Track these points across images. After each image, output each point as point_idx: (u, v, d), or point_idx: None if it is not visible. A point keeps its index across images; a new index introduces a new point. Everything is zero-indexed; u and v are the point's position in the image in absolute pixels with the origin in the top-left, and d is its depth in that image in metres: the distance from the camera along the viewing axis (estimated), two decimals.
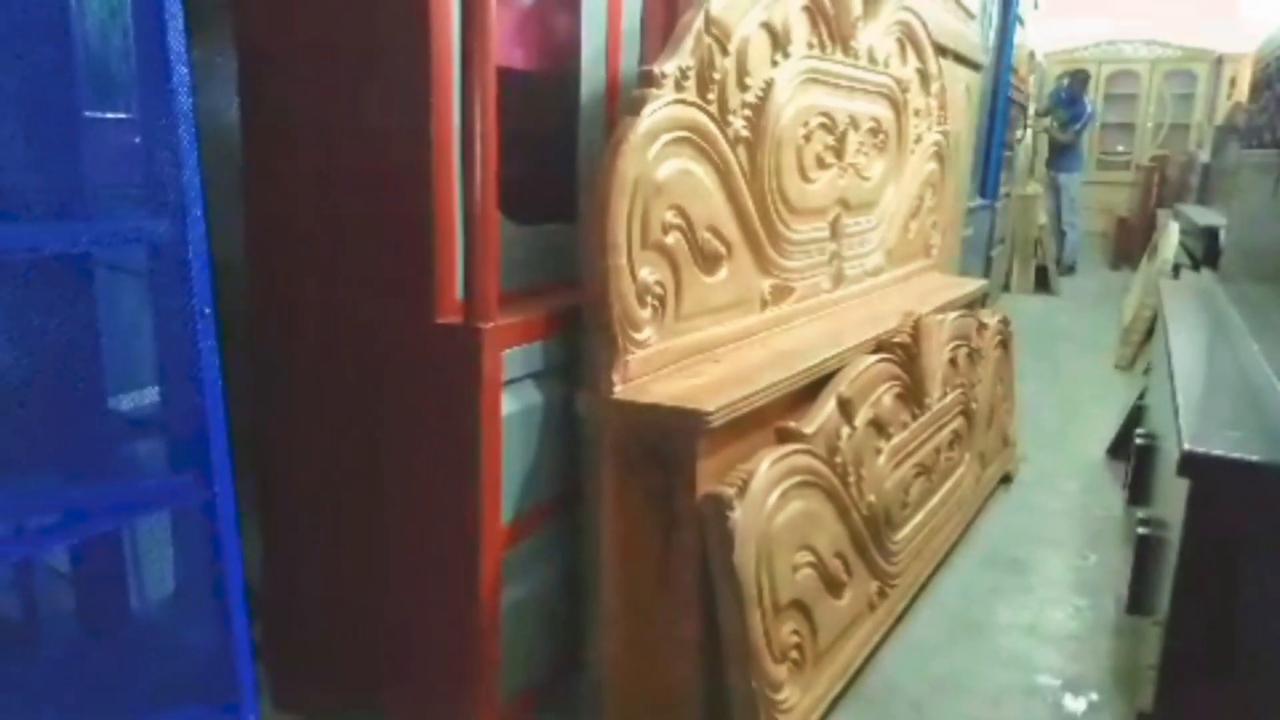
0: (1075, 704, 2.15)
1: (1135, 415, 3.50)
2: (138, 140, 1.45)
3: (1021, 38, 6.75)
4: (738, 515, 1.69)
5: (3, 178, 1.54)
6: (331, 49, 1.66)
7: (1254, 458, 1.41)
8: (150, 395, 1.68)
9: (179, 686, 1.53)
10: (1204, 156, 8.04)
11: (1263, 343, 2.09)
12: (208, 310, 1.33)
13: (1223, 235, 3.52)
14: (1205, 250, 4.06)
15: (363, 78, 1.63)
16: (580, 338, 1.81)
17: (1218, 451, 1.43)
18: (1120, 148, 10.53)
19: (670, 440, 1.74)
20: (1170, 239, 5.23)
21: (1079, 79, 8.81)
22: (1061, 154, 8.76)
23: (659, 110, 1.77)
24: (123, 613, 1.75)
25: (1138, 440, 2.56)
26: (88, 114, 1.57)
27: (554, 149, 1.99)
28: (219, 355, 1.37)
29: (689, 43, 1.84)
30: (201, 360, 1.34)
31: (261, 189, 1.80)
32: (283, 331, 1.83)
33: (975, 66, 4.60)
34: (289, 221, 1.78)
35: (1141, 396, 3.48)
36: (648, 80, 1.77)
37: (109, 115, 1.66)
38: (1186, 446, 1.44)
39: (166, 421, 1.56)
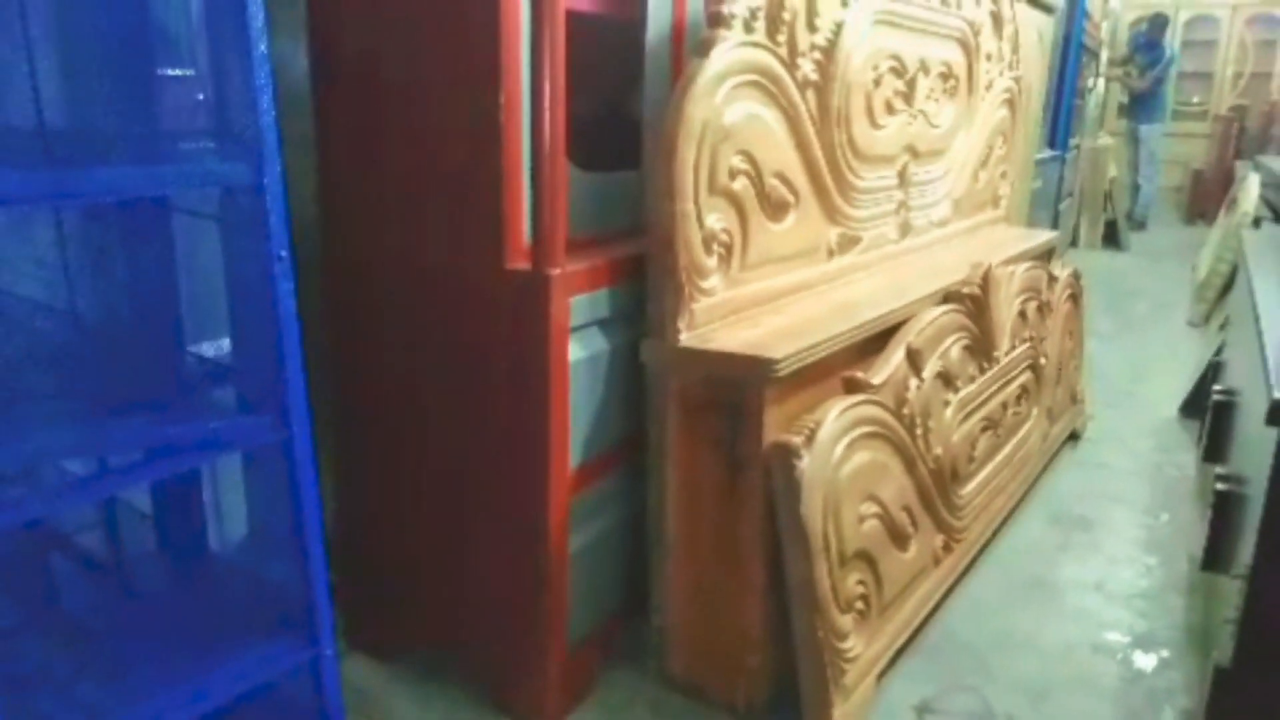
0: (1145, 660, 2.11)
1: (1211, 372, 3.39)
2: (212, 89, 1.47)
3: None
4: (805, 464, 1.68)
5: (85, 124, 1.58)
6: None
7: None
8: (224, 339, 1.72)
9: (259, 622, 1.57)
10: None
11: None
12: (284, 254, 1.34)
13: None
14: None
15: (430, 22, 1.63)
16: (645, 285, 1.80)
17: None
18: (1196, 98, 10.09)
19: (737, 388, 1.74)
20: (1250, 191, 5.02)
21: (1158, 23, 8.41)
22: (1141, 103, 8.39)
23: (728, 52, 1.74)
24: (202, 551, 1.81)
25: (1215, 397, 2.47)
26: (161, 67, 1.59)
27: (620, 94, 1.96)
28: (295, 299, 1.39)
29: None
30: (279, 302, 1.36)
31: (332, 137, 1.81)
32: (354, 277, 1.85)
33: (1048, 10, 4.43)
34: (360, 169, 1.79)
35: (1218, 353, 3.36)
36: (716, 21, 1.73)
37: (179, 70, 1.68)
38: (1276, 395, 1.39)
39: (241, 364, 1.60)
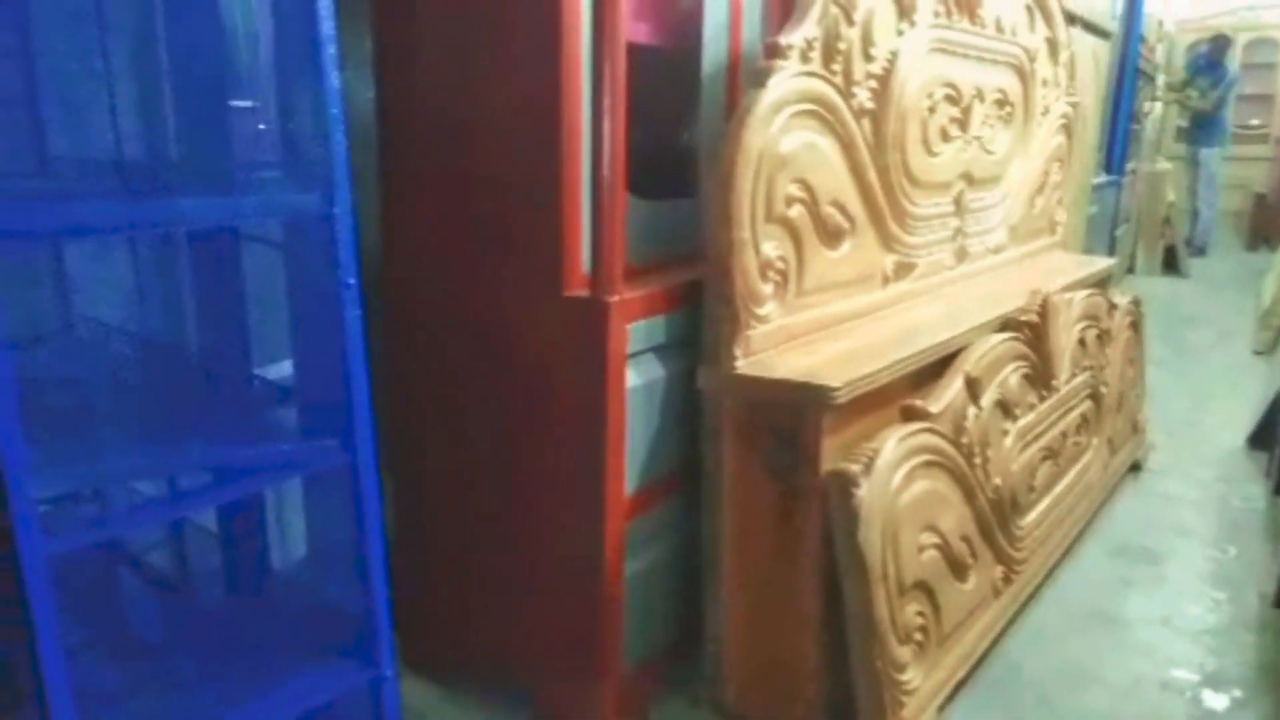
0: (1216, 700, 2.05)
1: None
2: (281, 122, 1.52)
3: (1150, 4, 6.38)
4: (863, 492, 1.67)
5: (160, 156, 1.64)
6: (465, 24, 1.70)
7: None
8: (285, 363, 1.76)
9: (320, 643, 1.59)
10: None
11: None
12: (353, 281, 1.38)
13: None
14: None
15: (494, 54, 1.67)
16: (701, 312, 1.81)
17: None
18: (1255, 120, 9.86)
19: (794, 415, 1.73)
20: None
21: (1219, 44, 8.25)
22: (1201, 127, 8.22)
23: (784, 82, 1.75)
24: (265, 570, 1.84)
25: None
26: (233, 99, 1.65)
27: (675, 124, 1.99)
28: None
29: (815, 12, 1.81)
30: (347, 329, 1.39)
31: (396, 166, 1.85)
32: (416, 304, 1.89)
33: (1104, 35, 4.39)
34: (422, 197, 1.83)
35: None
36: (773, 52, 1.75)
37: (249, 101, 1.74)
38: None
39: (305, 388, 1.63)
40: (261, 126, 1.67)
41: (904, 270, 2.28)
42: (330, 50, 1.31)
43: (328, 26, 1.30)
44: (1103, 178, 5.38)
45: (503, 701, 1.94)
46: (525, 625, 1.87)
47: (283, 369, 1.77)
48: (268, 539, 1.85)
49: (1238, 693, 2.06)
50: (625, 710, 1.85)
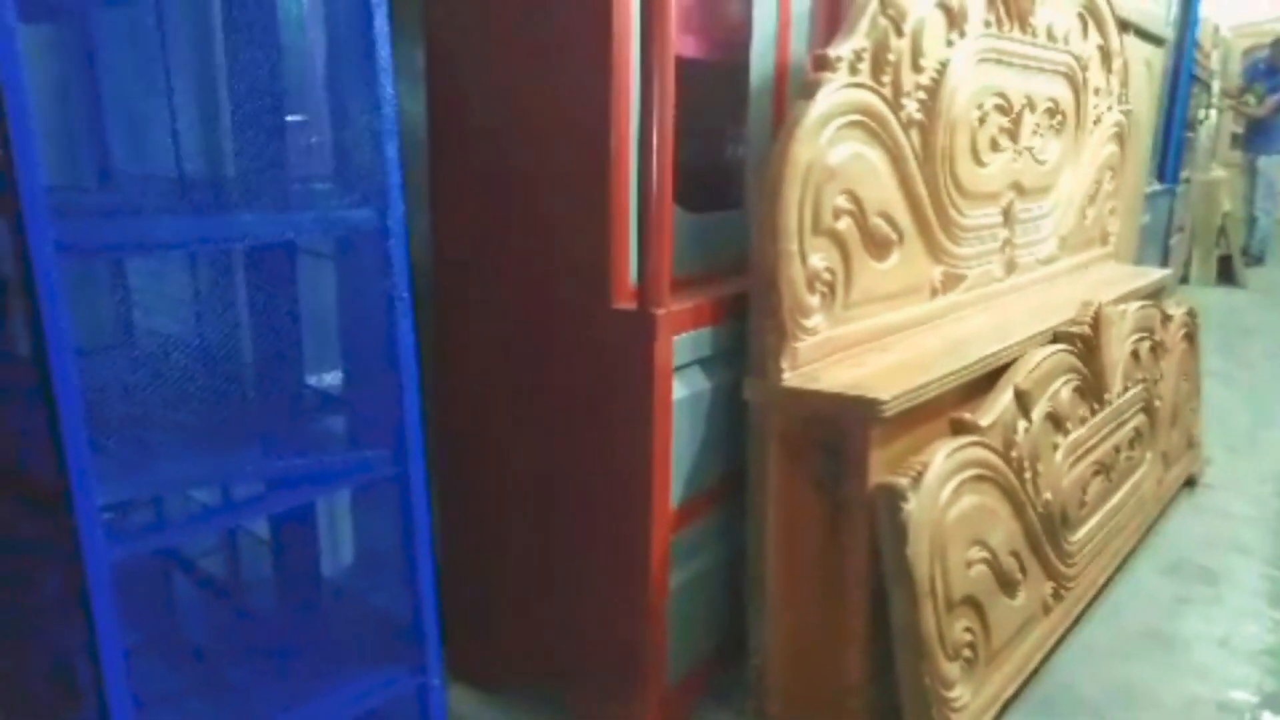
0: None
1: None
2: (337, 136, 1.55)
3: (1205, 10, 6.25)
4: (912, 507, 1.65)
5: (219, 172, 1.68)
6: (515, 38, 1.72)
7: None
8: (336, 374, 1.79)
9: (369, 649, 1.62)
10: None
11: None
12: (405, 294, 1.40)
13: None
14: None
15: (544, 67, 1.68)
16: (747, 324, 1.81)
17: None
18: None
19: (841, 428, 1.72)
20: None
21: None
22: (1260, 133, 7.99)
23: (833, 94, 1.75)
24: (316, 577, 1.87)
25: None
26: (289, 113, 1.68)
27: (722, 136, 1.99)
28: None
29: (864, 24, 1.80)
30: (399, 342, 1.41)
31: (447, 179, 1.88)
32: (465, 314, 1.91)
33: (1158, 41, 4.31)
34: (471, 210, 1.85)
35: None
36: (822, 64, 1.75)
37: (304, 115, 1.77)
38: None
39: (356, 399, 1.66)
40: (314, 140, 1.71)
41: (952, 282, 2.26)
42: (384, 55, 1.33)
43: (382, 32, 1.32)
44: (1156, 186, 5.27)
45: (545, 711, 1.95)
46: (569, 635, 1.88)
47: (333, 379, 1.81)
48: (318, 546, 1.89)
49: None
50: None
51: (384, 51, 1.33)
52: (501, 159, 1.78)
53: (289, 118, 1.69)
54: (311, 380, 1.78)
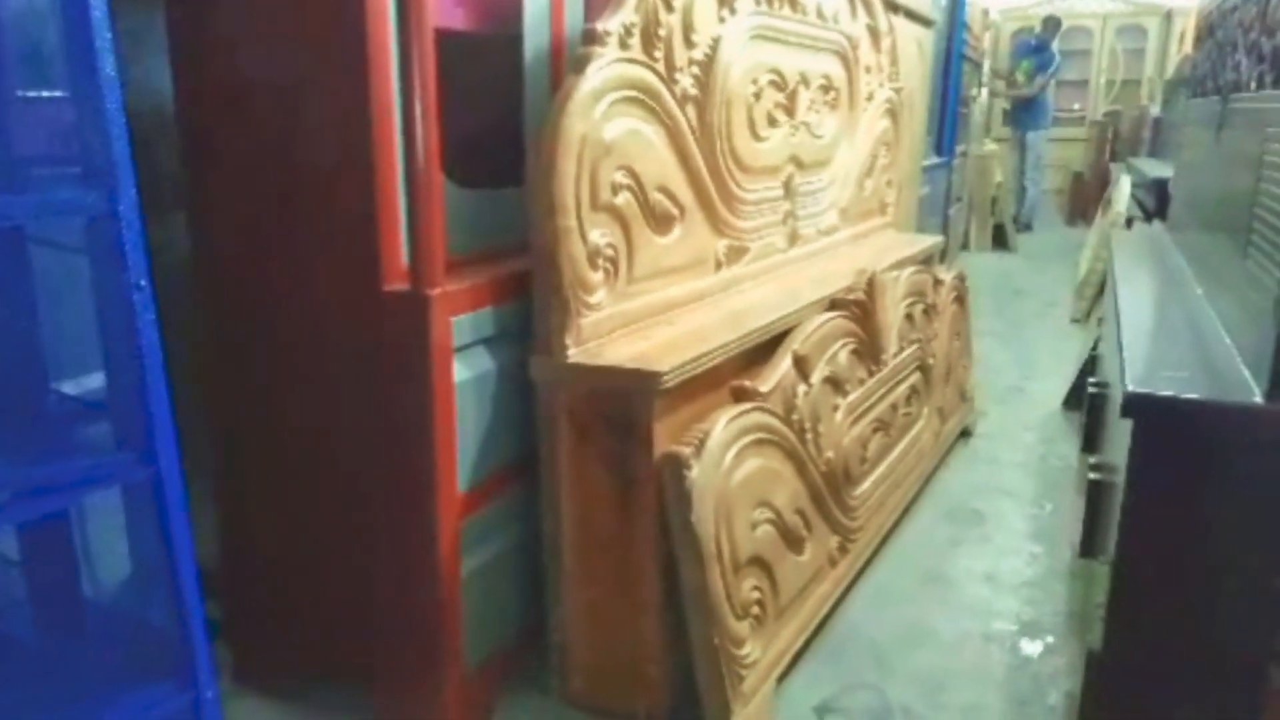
0: (1031, 647, 2.20)
1: (1089, 366, 3.56)
2: (69, 116, 1.41)
3: None
4: (695, 474, 1.70)
5: None
6: (265, 8, 1.62)
7: (1194, 396, 1.44)
8: (98, 376, 1.65)
9: (136, 667, 1.51)
10: (1155, 110, 8.12)
11: (1206, 287, 2.12)
12: (144, 283, 1.30)
13: (1171, 186, 3.56)
14: (1156, 201, 4.12)
15: (297, 40, 1.60)
16: (532, 302, 1.80)
17: (1159, 392, 1.45)
18: (1076, 105, 10.61)
19: (625, 402, 1.74)
20: (1123, 192, 5.30)
21: (1051, 25, 8.73)
22: (1027, 110, 8.70)
23: (604, 68, 1.75)
24: (75, 596, 1.73)
25: (1090, 389, 2.59)
26: (20, 92, 1.52)
27: (501, 111, 1.96)
28: (159, 330, 1.34)
29: None
30: (140, 334, 1.31)
31: (198, 160, 1.76)
32: (229, 305, 1.80)
33: (927, 23, 4.60)
34: (228, 193, 1.74)
35: (1095, 347, 3.53)
36: (591, 38, 1.75)
37: (45, 94, 1.61)
38: (1129, 388, 1.46)
39: (113, 401, 1.53)
40: (57, 119, 1.55)
41: (736, 254, 2.33)
42: (105, 38, 1.22)
43: (100, 10, 1.21)
44: (934, 160, 5.65)
45: (344, 711, 1.88)
46: (363, 631, 1.82)
47: (92, 381, 1.66)
48: (82, 562, 1.74)
49: (1050, 639, 2.22)
50: (469, 708, 1.83)
51: (101, 20, 1.21)
52: (260, 139, 1.68)
53: (32, 93, 1.53)
54: (75, 384, 1.64)
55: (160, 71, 1.81)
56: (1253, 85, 1.96)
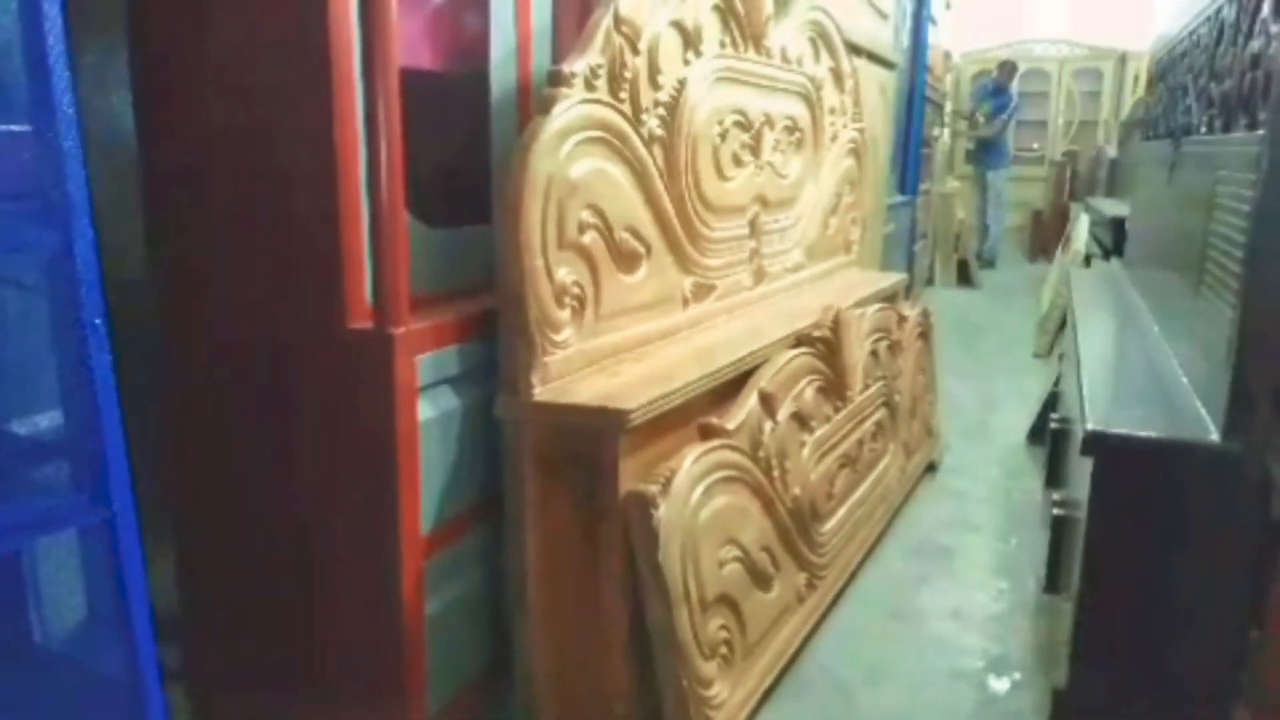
0: (998, 684, 2.20)
1: (1051, 401, 3.61)
2: (27, 151, 1.39)
3: (935, 37, 6.91)
4: (662, 513, 1.69)
5: None
6: (229, 46, 1.62)
7: (1153, 434, 1.46)
8: (56, 416, 1.62)
9: (89, 715, 1.47)
10: (1111, 151, 8.33)
11: (1163, 325, 2.17)
12: (98, 321, 1.27)
13: (1128, 225, 3.65)
14: (1114, 239, 4.21)
15: (261, 76, 1.59)
16: (499, 341, 1.79)
17: (1119, 430, 1.47)
18: (1035, 144, 10.86)
19: (591, 440, 1.74)
20: (1081, 230, 5.41)
21: (1007, 69, 8.98)
22: (987, 151, 8.92)
23: (570, 109, 1.76)
24: (26, 643, 1.67)
25: (1053, 424, 2.63)
26: None
27: (468, 150, 1.96)
28: (115, 370, 1.32)
29: (598, 41, 1.83)
30: (95, 374, 1.29)
31: (159, 197, 1.74)
32: (189, 344, 1.77)
33: (889, 65, 4.69)
34: (190, 231, 1.72)
35: (1056, 383, 3.58)
36: (557, 79, 1.76)
37: (3, 127, 1.59)
38: (1089, 426, 1.48)
39: (69, 442, 1.50)
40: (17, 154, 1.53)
41: (703, 292, 2.34)
42: (62, 72, 1.21)
43: (57, 45, 1.20)
44: (898, 198, 5.75)
45: None
46: (325, 677, 1.78)
47: (49, 421, 1.62)
48: (34, 608, 1.70)
49: (1017, 675, 2.22)
50: None
51: (59, 55, 1.20)
52: (223, 176, 1.67)
53: None
54: (31, 424, 1.60)
55: (125, 108, 1.80)
56: (1203, 129, 2.02)
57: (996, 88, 8.91)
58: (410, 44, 1.73)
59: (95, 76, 1.86)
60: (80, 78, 1.27)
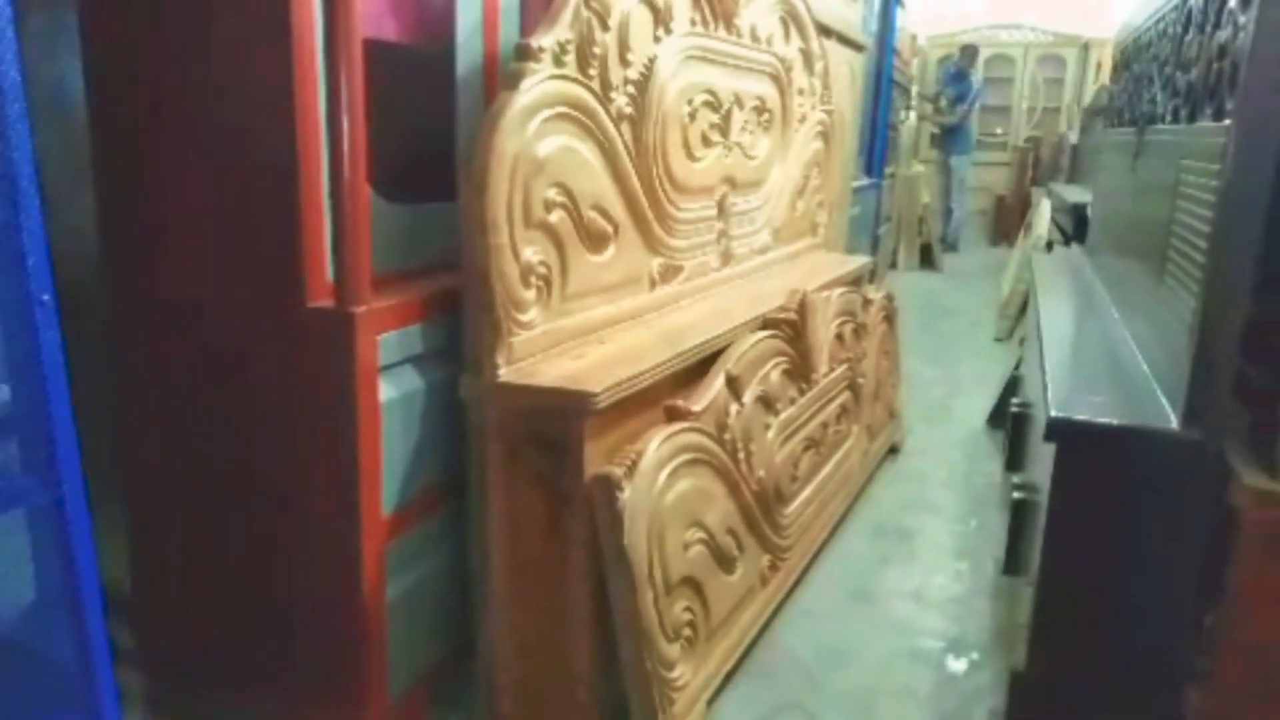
0: (957, 665, 2.23)
1: (1011, 385, 3.65)
2: None
3: (903, 20, 6.92)
4: (627, 495, 1.68)
5: None
6: (186, 14, 1.56)
7: (1114, 421, 1.48)
8: (3, 394, 1.57)
9: (38, 700, 1.43)
10: (1073, 137, 8.43)
11: (1123, 311, 2.19)
12: (47, 297, 1.23)
13: (1089, 211, 3.69)
14: (1075, 226, 4.26)
15: (218, 44, 1.54)
16: (463, 320, 1.76)
17: (1081, 416, 1.49)
18: (998, 130, 10.94)
19: (556, 422, 1.72)
20: (1043, 216, 5.47)
21: (969, 53, 9.03)
22: (951, 136, 9.00)
23: (538, 85, 1.73)
24: None
25: (1013, 409, 2.66)
26: None
27: (432, 125, 1.92)
28: (64, 347, 1.28)
29: (567, 16, 1.80)
30: (43, 351, 1.24)
31: (113, 170, 1.68)
32: (144, 321, 1.72)
33: (858, 47, 4.68)
34: (145, 204, 1.67)
35: (1017, 367, 3.63)
36: (525, 54, 1.72)
37: None
38: (1053, 413, 1.50)
39: (17, 421, 1.45)
40: None
41: (670, 273, 2.32)
42: (7, 39, 1.16)
43: (3, 12, 1.15)
44: (864, 181, 5.76)
45: None
46: (285, 660, 1.76)
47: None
48: None
49: (975, 656, 2.26)
50: None
51: (3, 10, 1.15)
52: (177, 148, 1.62)
53: None
54: None
55: (75, 70, 1.73)
56: (1168, 118, 2.04)
57: (958, 72, 8.96)
58: (374, 14, 1.69)
59: (44, 43, 1.79)
60: (27, 43, 1.21)
